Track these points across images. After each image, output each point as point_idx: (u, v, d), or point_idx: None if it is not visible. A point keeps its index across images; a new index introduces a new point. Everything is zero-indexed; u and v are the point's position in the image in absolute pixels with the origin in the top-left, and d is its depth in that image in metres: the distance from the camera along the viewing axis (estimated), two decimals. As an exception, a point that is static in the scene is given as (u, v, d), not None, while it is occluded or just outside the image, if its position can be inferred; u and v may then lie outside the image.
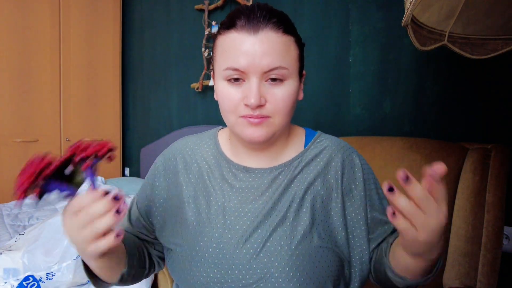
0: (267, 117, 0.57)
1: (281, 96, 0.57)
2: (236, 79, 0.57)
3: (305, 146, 0.68)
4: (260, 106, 0.56)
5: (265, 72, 0.56)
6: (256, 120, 0.57)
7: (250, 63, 0.55)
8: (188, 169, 0.69)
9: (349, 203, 0.63)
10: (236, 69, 0.56)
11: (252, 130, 0.58)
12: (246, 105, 0.56)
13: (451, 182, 0.96)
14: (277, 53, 0.56)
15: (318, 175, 0.64)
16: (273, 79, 0.57)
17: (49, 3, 2.60)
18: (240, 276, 0.57)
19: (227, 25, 0.58)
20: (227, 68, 0.57)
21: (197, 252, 0.61)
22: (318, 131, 0.71)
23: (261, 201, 0.62)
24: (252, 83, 0.56)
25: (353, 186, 0.64)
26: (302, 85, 0.66)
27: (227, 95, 0.58)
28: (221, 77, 0.59)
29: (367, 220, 0.63)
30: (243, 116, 0.57)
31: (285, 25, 0.58)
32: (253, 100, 0.55)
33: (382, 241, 0.64)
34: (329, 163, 0.65)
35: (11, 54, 2.45)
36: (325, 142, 0.68)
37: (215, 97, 0.65)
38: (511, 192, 0.97)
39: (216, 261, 0.59)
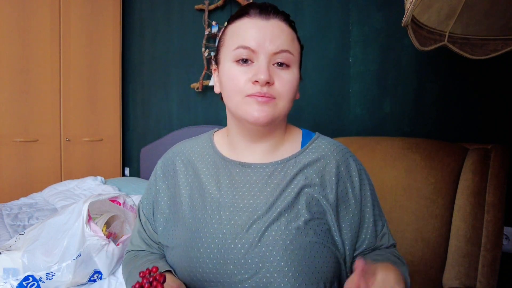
0: (274, 98, 0.59)
1: (288, 79, 0.60)
2: (245, 61, 0.60)
3: (301, 146, 0.68)
4: (269, 84, 0.58)
5: (274, 54, 0.59)
6: (263, 99, 0.58)
7: (261, 43, 0.58)
8: (185, 170, 0.71)
9: (343, 207, 0.64)
10: (247, 47, 0.59)
11: (257, 108, 0.59)
12: (255, 82, 0.58)
13: (451, 182, 0.96)
14: (285, 38, 0.60)
15: (315, 180, 0.64)
16: (280, 64, 0.60)
17: (49, 3, 2.60)
18: (235, 271, 0.58)
19: (239, 13, 0.63)
20: (238, 47, 0.60)
21: (193, 248, 0.62)
22: (316, 133, 0.72)
23: (257, 199, 0.63)
24: (262, 61, 0.58)
25: (349, 191, 0.65)
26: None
27: (234, 75, 0.60)
28: (230, 59, 0.61)
29: (358, 226, 0.64)
30: (250, 95, 0.59)
31: (290, 22, 0.64)
32: (263, 76, 0.57)
33: (365, 251, 0.65)
34: (326, 167, 0.65)
35: (11, 54, 2.45)
36: (323, 145, 0.68)
37: (216, 89, 0.67)
38: (511, 192, 0.97)
39: (211, 256, 0.60)
